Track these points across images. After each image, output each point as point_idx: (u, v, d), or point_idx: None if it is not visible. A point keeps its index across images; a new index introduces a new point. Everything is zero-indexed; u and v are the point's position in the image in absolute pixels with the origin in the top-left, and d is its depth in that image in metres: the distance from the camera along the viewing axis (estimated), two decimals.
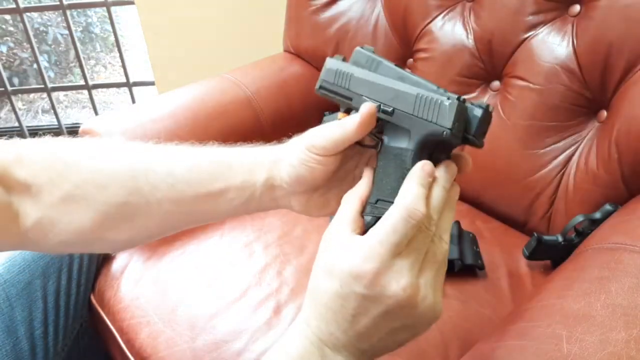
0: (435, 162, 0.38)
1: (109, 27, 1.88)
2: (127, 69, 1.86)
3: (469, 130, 0.37)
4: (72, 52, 2.46)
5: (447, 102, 0.36)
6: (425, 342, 0.62)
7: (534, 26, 0.80)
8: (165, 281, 0.73)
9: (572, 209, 0.76)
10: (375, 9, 0.99)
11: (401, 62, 0.99)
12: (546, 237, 0.71)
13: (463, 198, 0.91)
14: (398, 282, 0.33)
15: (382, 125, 0.40)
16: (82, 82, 1.92)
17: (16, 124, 1.98)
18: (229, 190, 0.43)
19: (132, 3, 1.61)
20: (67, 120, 2.35)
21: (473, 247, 0.74)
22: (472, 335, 0.64)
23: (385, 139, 0.39)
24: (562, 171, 0.79)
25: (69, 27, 1.78)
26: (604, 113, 0.76)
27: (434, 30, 0.91)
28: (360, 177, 0.42)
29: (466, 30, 0.87)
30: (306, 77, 1.05)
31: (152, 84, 1.82)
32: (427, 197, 0.35)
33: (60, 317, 0.69)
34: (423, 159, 0.37)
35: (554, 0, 0.78)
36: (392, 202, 0.35)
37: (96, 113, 2.01)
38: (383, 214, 0.36)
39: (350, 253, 0.34)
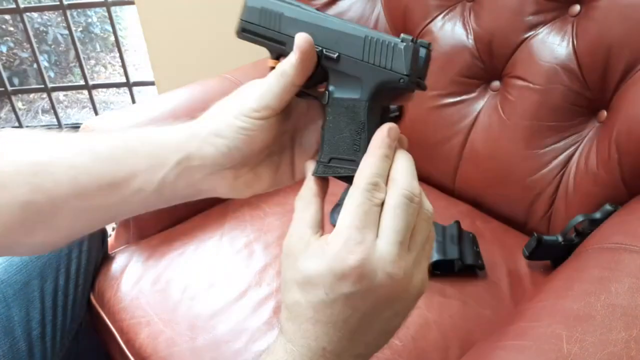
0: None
1: (109, 27, 1.88)
2: (127, 69, 1.86)
3: (418, 73, 0.34)
4: (72, 52, 2.46)
5: (401, 45, 0.32)
6: (425, 342, 0.62)
7: (534, 26, 0.80)
8: (165, 281, 0.73)
9: (572, 209, 0.76)
10: (375, 9, 0.99)
11: None
12: (546, 237, 0.71)
13: (463, 198, 0.91)
14: (384, 269, 0.30)
15: (326, 72, 0.35)
16: (82, 82, 1.92)
17: (16, 124, 1.98)
18: (135, 176, 0.36)
19: (132, 3, 1.61)
20: (67, 120, 2.35)
21: (473, 247, 0.74)
22: (472, 335, 0.63)
23: (332, 89, 0.34)
24: (562, 171, 0.79)
25: (69, 27, 1.78)
26: (604, 113, 0.76)
27: (434, 30, 0.91)
28: (295, 143, 0.38)
29: (466, 30, 0.87)
30: None
31: (152, 84, 1.82)
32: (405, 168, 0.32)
33: (58, 317, 0.69)
34: (377, 110, 0.34)
35: (554, 0, 0.78)
36: (351, 160, 0.33)
37: (96, 113, 2.01)
38: (340, 172, 0.33)
39: (327, 254, 0.30)
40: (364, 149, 0.33)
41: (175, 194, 0.38)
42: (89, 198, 0.37)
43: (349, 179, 0.33)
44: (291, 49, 0.34)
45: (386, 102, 0.35)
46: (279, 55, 0.36)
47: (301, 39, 0.34)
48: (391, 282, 0.30)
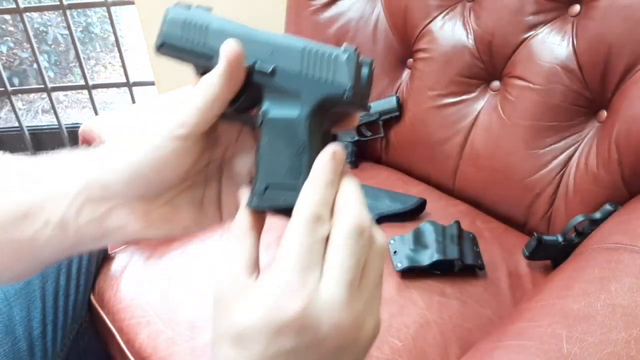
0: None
1: (109, 27, 1.88)
2: (127, 69, 1.86)
3: (361, 91, 0.30)
4: (72, 52, 2.46)
5: (343, 56, 0.29)
6: (425, 342, 0.62)
7: (534, 26, 0.80)
8: (165, 281, 0.73)
9: (572, 209, 0.76)
10: (375, 9, 0.99)
11: (401, 62, 0.99)
12: (546, 237, 0.71)
13: (463, 198, 0.91)
14: (331, 318, 0.25)
15: (259, 90, 0.31)
16: (82, 82, 1.92)
17: (16, 124, 1.98)
18: (43, 207, 0.31)
19: (132, 3, 1.61)
20: (67, 120, 2.35)
21: (473, 247, 0.74)
22: (472, 335, 0.63)
23: (266, 107, 0.30)
24: (562, 171, 0.79)
25: (69, 27, 1.78)
26: (604, 113, 0.76)
27: (434, 30, 0.91)
28: (223, 175, 0.33)
29: (466, 30, 0.87)
30: None
31: (152, 84, 1.81)
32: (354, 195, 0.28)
33: (59, 317, 0.69)
34: (319, 131, 0.30)
35: (554, 0, 0.78)
36: (291, 187, 0.29)
37: (96, 113, 2.01)
38: (279, 203, 0.29)
39: (263, 303, 0.25)
40: (305, 174, 0.29)
41: (81, 232, 0.31)
42: (9, 229, 0.31)
43: (289, 212, 0.28)
44: (215, 61, 0.30)
45: (327, 123, 0.31)
46: (205, 71, 0.31)
47: (228, 45, 0.29)
48: (339, 332, 0.25)
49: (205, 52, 0.31)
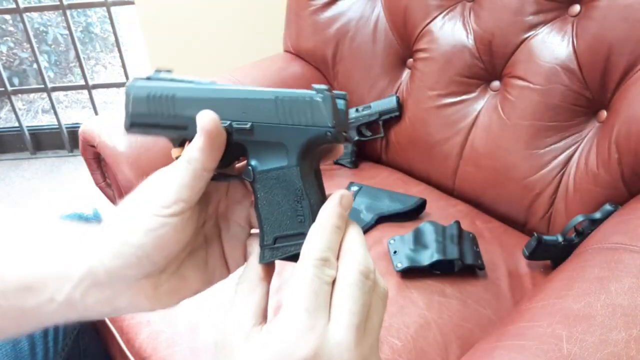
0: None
1: (109, 27, 1.88)
2: (127, 69, 1.86)
3: (340, 125, 0.30)
4: (72, 52, 2.46)
5: (318, 97, 0.29)
6: (425, 342, 0.62)
7: (534, 26, 0.80)
8: None
9: (572, 209, 0.76)
10: (375, 9, 0.99)
11: (401, 62, 0.99)
12: (546, 237, 0.71)
13: (463, 198, 0.91)
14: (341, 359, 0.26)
15: (241, 147, 0.31)
16: (82, 82, 1.92)
17: (16, 124, 1.98)
18: (46, 284, 0.31)
19: (132, 3, 1.61)
20: (67, 120, 2.34)
21: (473, 247, 0.74)
22: (472, 335, 0.64)
23: (254, 163, 0.31)
24: (562, 171, 0.79)
25: (69, 27, 1.78)
26: (604, 113, 0.76)
27: (434, 30, 0.91)
28: (222, 230, 0.33)
29: (466, 30, 0.87)
30: (306, 77, 1.06)
31: None
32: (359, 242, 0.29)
33: None
34: (311, 172, 0.31)
35: (554, 0, 0.78)
36: (299, 234, 0.29)
37: (96, 113, 2.02)
38: (291, 251, 0.30)
39: (273, 346, 0.26)
40: (309, 218, 0.30)
41: (89, 311, 0.31)
42: (11, 297, 0.31)
43: (297, 257, 0.29)
44: (194, 131, 0.29)
45: (315, 161, 0.32)
46: (183, 141, 0.31)
47: (204, 117, 0.29)
48: None
49: (178, 123, 0.31)
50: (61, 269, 0.31)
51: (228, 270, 0.35)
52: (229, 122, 0.30)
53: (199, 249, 0.34)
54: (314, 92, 0.29)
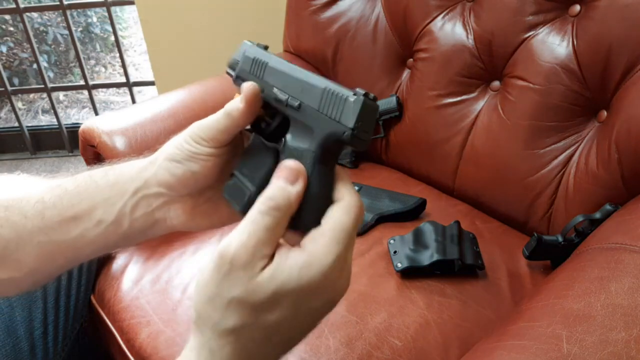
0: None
1: (109, 27, 1.88)
2: (127, 69, 1.86)
3: (364, 127, 0.32)
4: (72, 52, 2.46)
5: (352, 98, 0.31)
6: (425, 342, 0.62)
7: (534, 26, 0.80)
8: (165, 281, 0.73)
9: (572, 209, 0.76)
10: (375, 9, 0.99)
11: (401, 62, 0.99)
12: (546, 237, 0.71)
13: (463, 198, 0.91)
14: (342, 277, 0.31)
15: (288, 123, 0.35)
16: (82, 82, 1.92)
17: (16, 124, 1.98)
18: (95, 208, 0.38)
19: (132, 3, 1.61)
20: (67, 120, 2.35)
21: (473, 247, 0.74)
22: (472, 335, 0.64)
23: (289, 137, 0.35)
24: (562, 171, 0.79)
25: (69, 27, 1.78)
26: (604, 113, 0.76)
27: (434, 30, 0.91)
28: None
29: (466, 30, 0.87)
30: None
31: (152, 84, 1.82)
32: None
33: (60, 317, 0.69)
34: (325, 165, 0.33)
35: (554, 0, 0.78)
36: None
37: (96, 113, 2.02)
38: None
39: (316, 257, 0.30)
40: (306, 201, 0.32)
41: (133, 225, 0.39)
42: (52, 232, 0.38)
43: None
44: (267, 95, 0.37)
45: (333, 158, 0.34)
46: None
47: (248, 88, 0.36)
48: (343, 285, 0.32)
49: (260, 85, 0.37)
50: (114, 192, 0.38)
51: None
52: (288, 96, 0.35)
53: None
54: (352, 92, 0.32)
